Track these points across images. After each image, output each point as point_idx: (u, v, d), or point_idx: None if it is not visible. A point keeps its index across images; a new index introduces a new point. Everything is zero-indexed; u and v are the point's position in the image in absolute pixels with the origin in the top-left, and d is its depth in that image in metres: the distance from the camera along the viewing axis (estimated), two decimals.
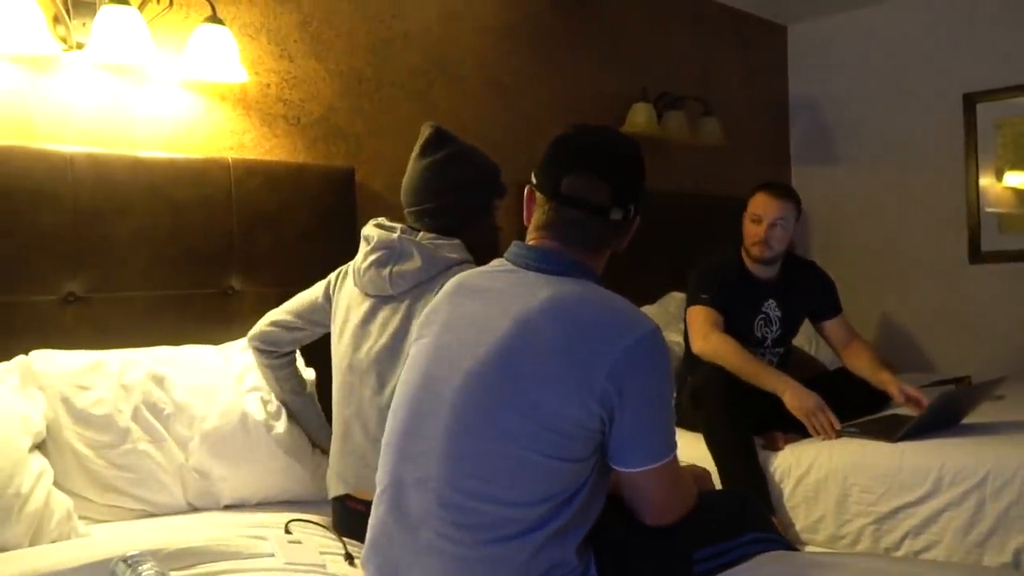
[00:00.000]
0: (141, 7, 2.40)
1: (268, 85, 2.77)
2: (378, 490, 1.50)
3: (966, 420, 2.74)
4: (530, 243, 1.53)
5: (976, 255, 4.30)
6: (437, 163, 2.06)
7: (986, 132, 4.26)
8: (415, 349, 1.54)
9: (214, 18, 2.45)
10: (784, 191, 2.98)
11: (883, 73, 4.57)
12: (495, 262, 1.57)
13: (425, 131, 2.11)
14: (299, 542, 1.88)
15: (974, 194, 4.29)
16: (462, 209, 2.07)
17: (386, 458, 1.50)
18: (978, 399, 2.82)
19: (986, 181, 4.27)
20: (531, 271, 1.48)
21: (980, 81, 4.26)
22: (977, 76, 4.26)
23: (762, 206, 2.93)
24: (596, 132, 1.57)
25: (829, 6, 4.63)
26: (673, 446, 1.45)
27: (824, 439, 2.63)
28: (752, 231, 2.95)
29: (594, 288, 1.46)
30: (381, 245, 2.03)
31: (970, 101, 4.29)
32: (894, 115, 4.54)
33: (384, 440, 1.52)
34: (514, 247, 1.54)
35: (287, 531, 1.94)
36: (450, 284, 1.59)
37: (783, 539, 1.69)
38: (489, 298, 1.48)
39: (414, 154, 2.12)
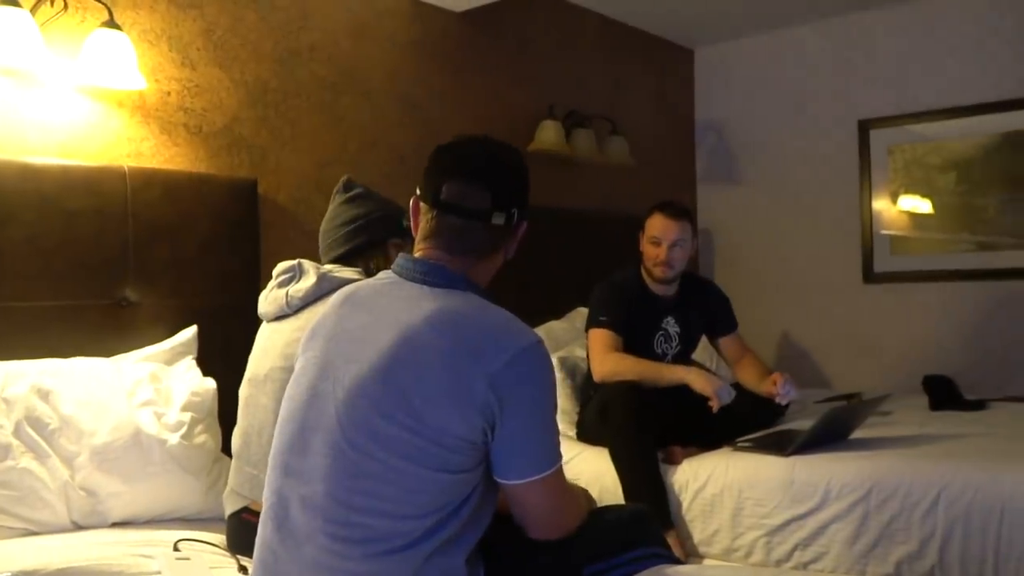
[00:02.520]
0: (33, 10, 2.33)
1: (168, 93, 2.71)
2: (264, 507, 1.48)
3: (854, 435, 2.84)
4: (416, 254, 1.53)
5: (869, 275, 4.47)
6: (347, 200, 2.24)
7: (879, 157, 4.44)
8: (301, 362, 1.53)
9: (111, 23, 2.40)
10: (680, 211, 3.04)
11: (784, 98, 4.73)
12: (382, 274, 1.58)
13: (339, 183, 2.30)
14: (187, 559, 1.84)
15: (868, 216, 4.45)
16: (365, 239, 2.18)
17: (272, 474, 1.48)
18: (865, 415, 2.92)
19: (880, 204, 4.43)
20: (416, 283, 1.49)
21: (874, 108, 4.43)
22: (871, 104, 4.44)
23: (660, 228, 2.99)
24: (474, 141, 1.59)
25: (733, 31, 4.76)
26: (556, 459, 1.46)
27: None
28: (652, 253, 3.01)
29: (478, 301, 1.47)
30: (283, 271, 2.13)
31: (864, 127, 4.46)
32: (794, 139, 4.70)
33: (270, 457, 1.51)
34: (400, 259, 1.54)
35: (176, 549, 1.89)
36: (337, 296, 1.59)
37: (671, 554, 1.72)
38: (375, 312, 1.48)
39: (330, 204, 2.28)
